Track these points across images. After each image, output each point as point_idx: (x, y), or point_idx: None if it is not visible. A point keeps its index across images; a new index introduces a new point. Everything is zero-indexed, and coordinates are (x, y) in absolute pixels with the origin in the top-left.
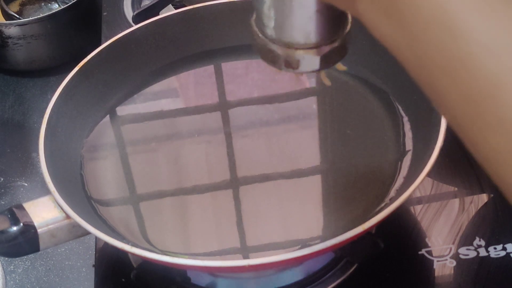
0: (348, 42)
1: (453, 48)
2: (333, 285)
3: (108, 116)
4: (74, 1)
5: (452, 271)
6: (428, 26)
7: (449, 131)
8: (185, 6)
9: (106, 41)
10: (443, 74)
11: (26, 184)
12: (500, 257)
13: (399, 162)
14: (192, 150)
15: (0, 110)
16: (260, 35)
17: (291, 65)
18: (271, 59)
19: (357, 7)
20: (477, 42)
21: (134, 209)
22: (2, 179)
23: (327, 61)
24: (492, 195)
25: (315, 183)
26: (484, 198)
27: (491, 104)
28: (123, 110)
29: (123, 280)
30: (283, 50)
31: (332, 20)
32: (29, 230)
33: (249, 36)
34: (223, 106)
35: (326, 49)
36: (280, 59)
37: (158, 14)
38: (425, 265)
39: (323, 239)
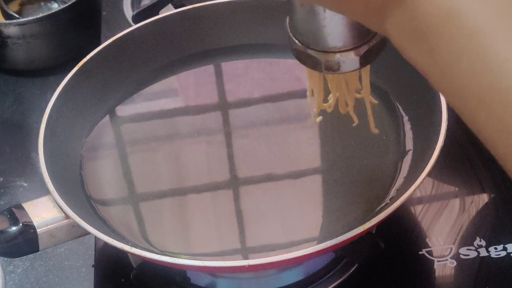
0: (384, 37)
1: (488, 79)
2: (333, 285)
3: (107, 116)
4: (73, 0)
5: (453, 272)
6: (460, 57)
7: (449, 131)
8: (185, 5)
9: (105, 40)
10: (478, 103)
11: (25, 184)
12: (500, 257)
13: (400, 162)
14: (192, 150)
15: None
16: (297, 41)
17: (332, 68)
18: (311, 64)
19: (385, 28)
20: None
21: (134, 209)
22: (1, 179)
23: (366, 59)
24: (492, 195)
25: (315, 183)
26: (484, 198)
27: None
28: (122, 110)
29: (122, 280)
30: (322, 55)
31: None
32: (29, 230)
33: (249, 36)
34: (223, 106)
35: (364, 48)
36: (320, 63)
37: (157, 14)
38: (426, 265)
39: (323, 239)
